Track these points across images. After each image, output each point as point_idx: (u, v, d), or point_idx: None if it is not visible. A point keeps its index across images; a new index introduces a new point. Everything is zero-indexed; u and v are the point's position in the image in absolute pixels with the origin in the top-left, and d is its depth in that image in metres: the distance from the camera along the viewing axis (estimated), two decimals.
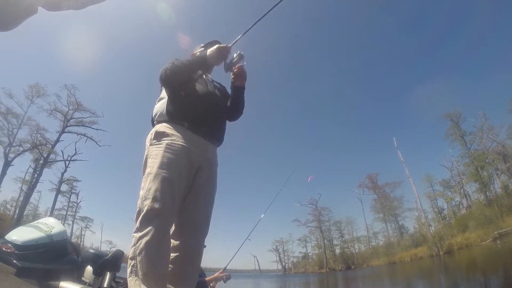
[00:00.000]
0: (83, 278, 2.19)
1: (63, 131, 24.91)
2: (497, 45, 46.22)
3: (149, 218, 1.33)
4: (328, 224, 43.95)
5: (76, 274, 2.21)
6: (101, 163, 67.30)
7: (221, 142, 1.81)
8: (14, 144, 22.83)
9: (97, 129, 25.65)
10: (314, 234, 46.12)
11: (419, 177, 38.24)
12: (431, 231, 28.53)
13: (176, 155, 1.48)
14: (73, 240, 30.08)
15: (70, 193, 34.84)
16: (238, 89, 1.78)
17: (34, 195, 27.45)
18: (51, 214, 27.34)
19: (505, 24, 42.63)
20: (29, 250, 1.99)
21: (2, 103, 22.07)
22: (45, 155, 24.45)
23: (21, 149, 23.41)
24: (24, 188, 26.58)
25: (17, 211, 25.42)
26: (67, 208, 35.46)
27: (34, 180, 24.55)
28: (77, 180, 32.89)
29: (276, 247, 54.17)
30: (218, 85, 1.93)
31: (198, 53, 1.86)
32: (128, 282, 1.32)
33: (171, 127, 1.57)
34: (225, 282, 3.25)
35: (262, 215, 4.19)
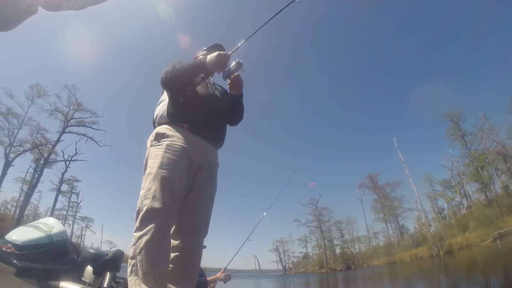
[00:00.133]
0: (83, 278, 2.20)
1: (63, 131, 24.94)
2: (497, 45, 46.26)
3: (149, 218, 1.34)
4: (328, 224, 44.02)
5: (76, 274, 2.22)
6: (101, 163, 67.36)
7: (221, 144, 1.82)
8: (14, 144, 22.88)
9: (97, 129, 25.73)
10: (314, 234, 46.20)
11: (420, 177, 38.27)
12: (431, 231, 28.51)
13: (176, 156, 1.49)
14: (74, 240, 30.14)
15: (70, 193, 34.88)
16: (236, 97, 1.80)
17: (35, 195, 27.50)
18: (52, 214, 27.37)
19: (505, 24, 42.64)
20: (29, 250, 1.99)
21: (3, 103, 22.15)
22: (45, 155, 24.47)
23: (21, 149, 23.49)
24: (25, 188, 26.61)
25: (17, 211, 25.44)
26: (68, 208, 35.52)
27: (34, 180, 24.58)
28: (77, 180, 32.95)
29: (277, 247, 54.25)
30: (219, 87, 1.94)
31: (200, 56, 1.87)
32: (128, 281, 1.33)
33: (172, 129, 1.59)
34: (225, 283, 3.25)
35: (265, 213, 4.18)
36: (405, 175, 32.39)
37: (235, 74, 1.66)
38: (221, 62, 1.57)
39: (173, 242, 1.50)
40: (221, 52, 1.59)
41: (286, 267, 52.85)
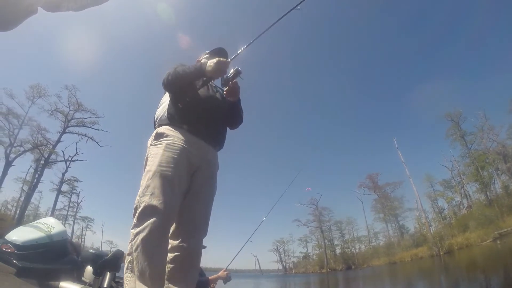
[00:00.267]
0: (83, 278, 2.20)
1: (64, 132, 24.97)
2: (497, 45, 46.21)
3: (146, 214, 1.34)
4: (328, 224, 44.04)
5: (76, 274, 2.22)
6: (102, 163, 67.38)
7: (221, 146, 1.83)
8: (15, 144, 22.90)
9: (97, 129, 25.76)
10: (314, 234, 46.23)
11: (420, 177, 38.13)
12: (431, 231, 28.50)
13: (176, 154, 1.50)
14: (74, 240, 30.15)
15: (71, 193, 34.91)
16: (233, 103, 1.79)
17: (35, 195, 27.48)
18: (52, 214, 27.38)
19: (505, 24, 42.60)
20: (29, 250, 1.99)
21: (3, 104, 22.18)
22: (46, 156, 24.49)
23: (22, 149, 23.52)
24: (25, 188, 26.61)
25: (18, 211, 25.46)
26: (68, 208, 35.54)
27: (35, 180, 24.59)
28: (78, 180, 32.96)
29: (277, 247, 54.29)
30: (220, 89, 1.95)
31: (203, 60, 1.88)
32: (124, 278, 1.32)
33: (172, 129, 1.60)
34: (225, 283, 3.28)
35: (264, 218, 4.11)
36: (405, 175, 32.42)
37: (233, 81, 1.66)
38: (220, 69, 1.57)
39: (173, 242, 1.51)
40: (221, 59, 1.59)
41: (287, 267, 52.88)
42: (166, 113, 1.66)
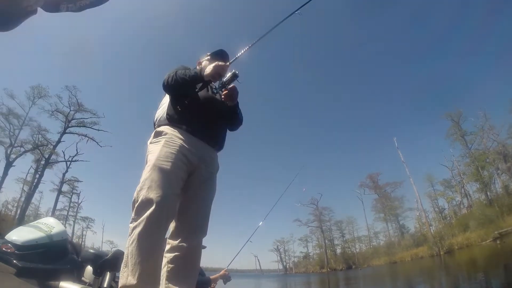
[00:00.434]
0: (83, 278, 2.20)
1: (64, 132, 24.95)
2: (497, 45, 46.17)
3: (143, 208, 1.34)
4: (329, 224, 44.07)
5: (76, 274, 2.22)
6: (102, 164, 67.29)
7: (221, 146, 1.83)
8: (15, 144, 22.93)
9: (98, 130, 25.69)
10: (315, 234, 46.19)
11: (420, 177, 38.18)
12: (431, 230, 28.52)
13: (174, 150, 1.52)
14: (75, 240, 30.14)
15: (71, 194, 34.84)
16: (231, 107, 1.79)
17: (36, 195, 27.36)
18: (53, 215, 27.36)
19: (505, 24, 42.54)
20: (29, 250, 2.00)
21: (4, 104, 22.20)
22: (46, 156, 24.49)
23: (22, 149, 23.55)
24: (26, 188, 26.62)
25: (18, 212, 25.44)
26: (69, 209, 35.47)
27: (35, 180, 24.58)
28: (78, 181, 32.88)
29: (277, 247, 54.26)
30: (220, 91, 1.95)
31: (204, 62, 1.89)
32: (120, 273, 1.31)
33: (171, 128, 1.62)
34: (225, 283, 3.30)
35: (261, 223, 4.03)
36: (405, 175, 32.45)
37: (231, 85, 1.66)
38: (217, 73, 1.57)
39: (173, 242, 1.51)
40: (219, 63, 1.59)
41: (287, 267, 52.84)
42: (165, 114, 1.68)
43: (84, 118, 25.53)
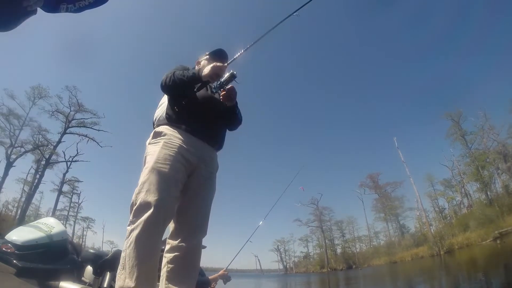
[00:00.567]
0: (83, 278, 2.20)
1: (64, 132, 24.95)
2: (497, 45, 46.14)
3: (141, 211, 1.34)
4: (329, 223, 44.12)
5: (76, 274, 2.22)
6: (102, 164, 67.46)
7: (220, 145, 1.83)
8: (16, 145, 22.93)
9: (98, 130, 25.69)
10: (315, 234, 46.23)
11: (420, 177, 38.17)
12: (432, 230, 28.50)
13: (173, 152, 1.51)
14: (75, 240, 30.16)
15: (71, 194, 34.87)
16: (229, 107, 1.79)
17: (36, 195, 27.36)
18: (53, 215, 27.37)
19: (505, 24, 42.51)
20: (29, 250, 2.00)
21: (4, 104, 22.21)
22: (46, 156, 24.50)
23: (23, 150, 23.54)
24: (26, 188, 26.64)
25: (19, 212, 25.45)
26: (69, 209, 35.51)
27: (36, 180, 24.60)
28: (78, 181, 32.92)
29: (278, 247, 54.30)
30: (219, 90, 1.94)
31: (203, 61, 1.89)
32: (116, 275, 1.32)
33: (170, 129, 1.61)
34: (225, 283, 3.30)
35: (261, 222, 4.05)
36: (405, 175, 32.45)
37: (229, 86, 1.65)
38: (215, 74, 1.57)
39: (172, 242, 1.51)
40: (217, 64, 1.59)
41: (287, 267, 52.86)
42: (165, 114, 1.67)
43: (84, 119, 25.59)
